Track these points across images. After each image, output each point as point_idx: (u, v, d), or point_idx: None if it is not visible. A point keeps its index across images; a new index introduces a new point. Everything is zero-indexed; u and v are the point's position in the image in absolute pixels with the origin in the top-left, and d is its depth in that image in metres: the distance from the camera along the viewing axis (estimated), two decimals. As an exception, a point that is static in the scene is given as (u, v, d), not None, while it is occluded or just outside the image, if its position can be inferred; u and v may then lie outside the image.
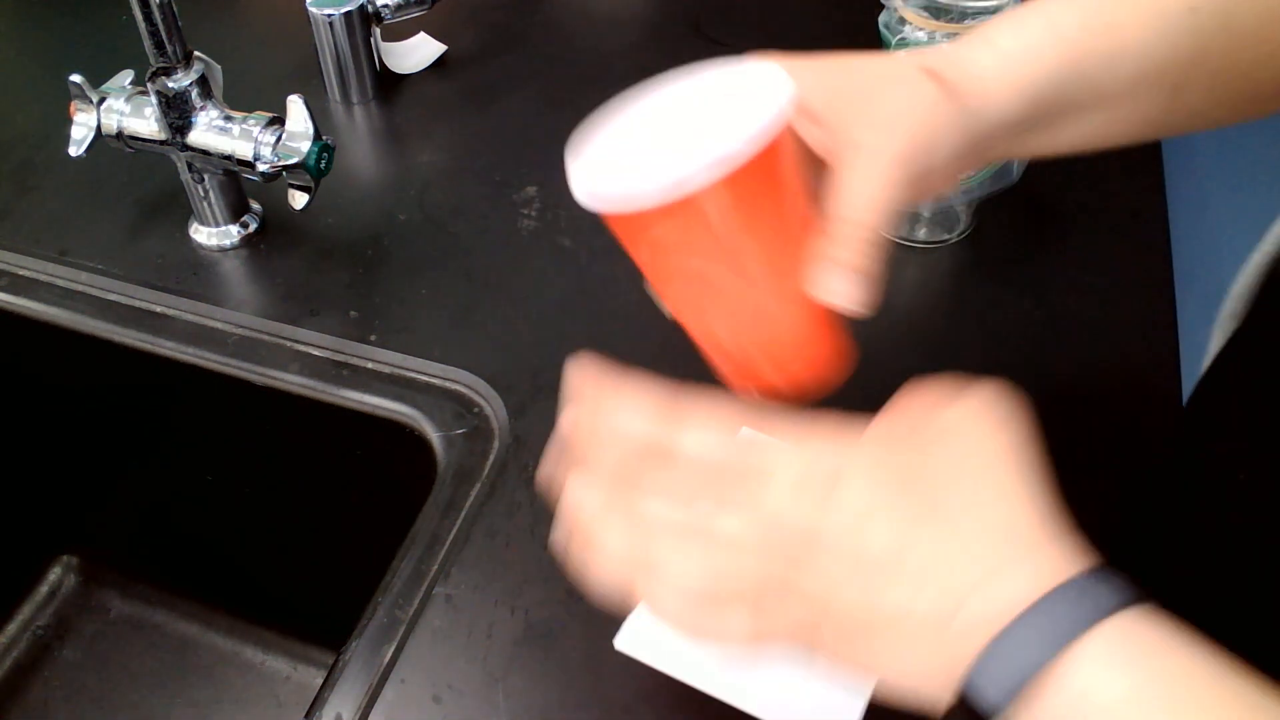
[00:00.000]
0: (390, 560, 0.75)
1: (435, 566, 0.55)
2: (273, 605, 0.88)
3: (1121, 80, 0.42)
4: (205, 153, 0.66)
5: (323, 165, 0.65)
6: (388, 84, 0.86)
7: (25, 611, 0.93)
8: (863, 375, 0.63)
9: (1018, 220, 0.72)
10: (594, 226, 0.73)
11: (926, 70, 0.41)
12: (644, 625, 0.51)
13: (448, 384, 0.64)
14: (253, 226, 0.72)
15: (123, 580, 0.93)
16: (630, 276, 0.69)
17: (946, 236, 0.71)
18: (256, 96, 0.69)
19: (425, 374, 0.64)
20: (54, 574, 0.94)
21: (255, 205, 0.73)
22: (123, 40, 0.93)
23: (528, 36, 0.91)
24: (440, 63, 0.88)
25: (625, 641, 0.51)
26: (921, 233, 0.71)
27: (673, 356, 0.64)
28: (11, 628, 0.92)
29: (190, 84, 0.65)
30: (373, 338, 0.66)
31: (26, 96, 0.88)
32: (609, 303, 0.68)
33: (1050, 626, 0.31)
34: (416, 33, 0.89)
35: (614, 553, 0.36)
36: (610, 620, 0.52)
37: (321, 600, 0.85)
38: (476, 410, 0.62)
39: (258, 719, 0.85)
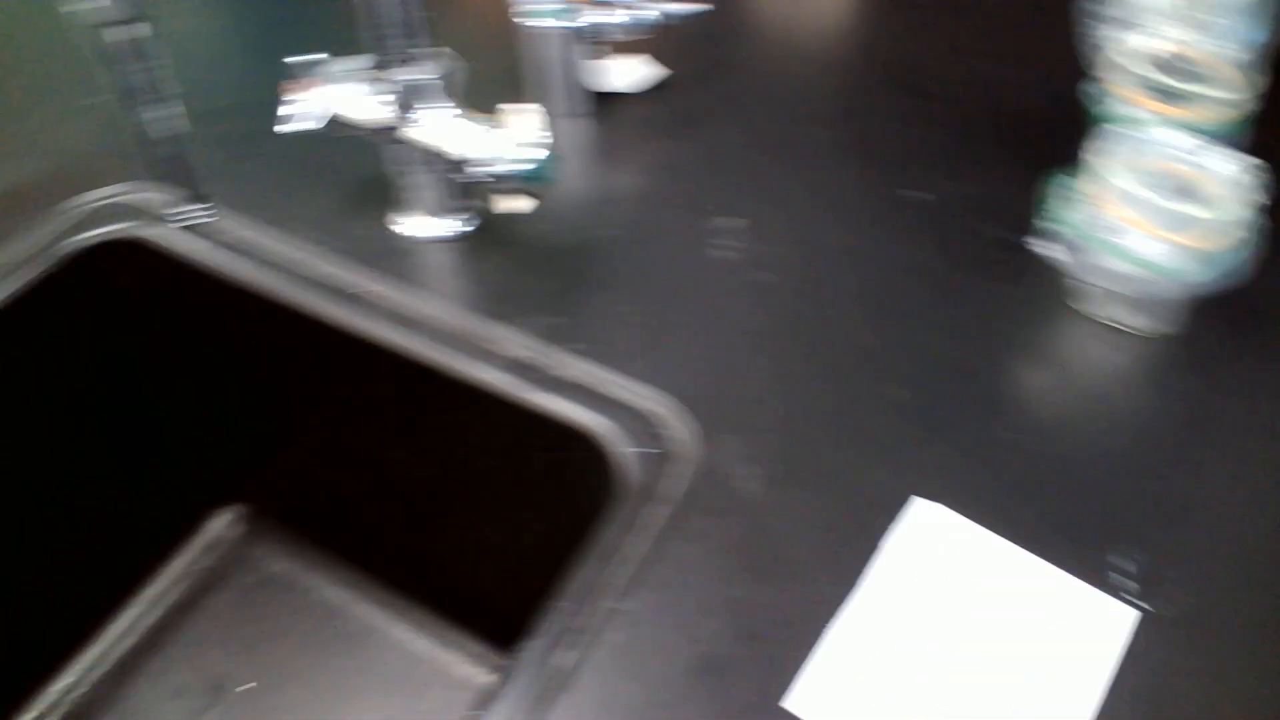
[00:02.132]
0: (556, 566, 0.77)
1: (616, 582, 0.56)
2: (426, 587, 0.91)
3: None
4: (434, 148, 0.68)
5: (550, 176, 0.66)
6: (601, 101, 0.88)
7: (190, 554, 0.97)
8: (1060, 453, 0.62)
9: (1238, 322, 0.70)
10: (797, 263, 0.74)
11: None
12: (818, 685, 0.52)
13: (639, 401, 0.65)
14: (466, 223, 0.75)
15: (285, 539, 0.97)
16: (831, 320, 0.70)
17: (1160, 327, 0.69)
18: (469, 97, 0.71)
19: (618, 389, 0.66)
20: (221, 522, 0.99)
21: (470, 203, 0.76)
22: (347, 22, 0.97)
23: (743, 70, 0.92)
24: (658, 88, 0.89)
25: (796, 702, 0.51)
26: (1134, 319, 0.69)
27: (871, 403, 0.65)
28: (176, 567, 0.96)
29: (431, 78, 0.67)
30: (570, 346, 0.68)
31: (252, 65, 0.93)
32: (807, 343, 0.68)
33: None
34: (636, 54, 0.91)
35: None
36: (788, 668, 0.53)
37: (475, 590, 0.87)
38: (666, 433, 0.63)
39: (396, 695, 0.88)
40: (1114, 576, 0.56)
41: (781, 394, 0.65)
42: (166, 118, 0.52)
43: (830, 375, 0.66)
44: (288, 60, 0.70)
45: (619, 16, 0.82)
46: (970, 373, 0.67)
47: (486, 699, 0.87)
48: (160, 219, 0.78)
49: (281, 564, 0.97)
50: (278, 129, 0.71)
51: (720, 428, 0.63)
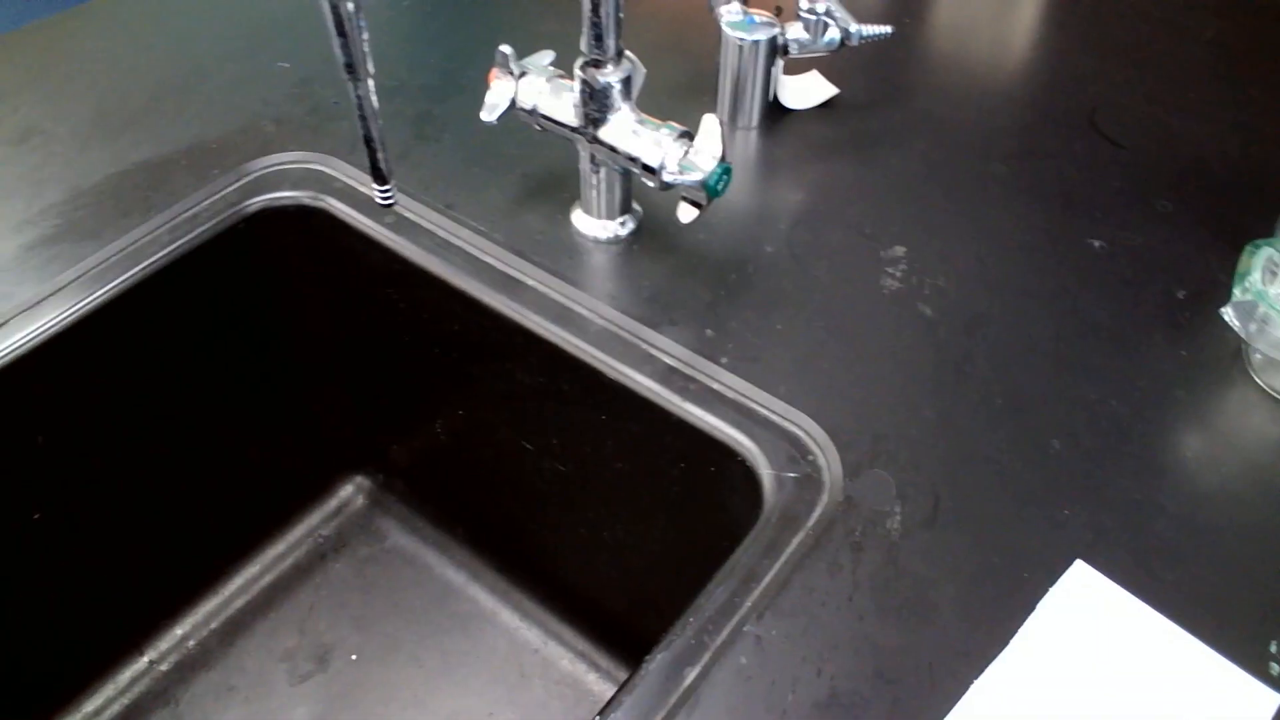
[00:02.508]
0: (678, 578, 0.77)
1: (749, 603, 0.55)
2: (541, 579, 0.91)
3: None
4: (613, 149, 0.68)
5: (721, 187, 0.66)
6: (775, 116, 0.87)
7: (313, 519, 0.99)
8: (1220, 527, 0.59)
9: None
10: (961, 300, 0.72)
11: None
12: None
13: (786, 424, 0.64)
14: (632, 226, 0.75)
15: (406, 514, 0.98)
16: (993, 363, 0.67)
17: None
18: (645, 101, 0.71)
19: (766, 408, 0.65)
20: (345, 491, 1.01)
21: (637, 206, 0.76)
22: (543, 18, 0.98)
23: (918, 95, 0.90)
24: (827, 105, 0.88)
25: None
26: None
27: (1029, 454, 0.63)
28: (297, 531, 0.98)
29: (616, 81, 0.67)
30: (723, 360, 0.67)
31: (437, 48, 0.94)
32: (966, 383, 0.66)
33: None
34: (807, 70, 0.90)
35: None
36: (920, 710, 0.51)
37: (589, 589, 0.87)
38: (811, 459, 0.62)
39: (499, 683, 0.88)
40: (1269, 663, 0.53)
41: (935, 433, 0.63)
42: (363, 94, 0.53)
43: (988, 420, 0.64)
44: (500, 49, 0.71)
45: (802, 33, 0.81)
46: (1136, 433, 0.64)
47: (598, 703, 0.87)
48: (336, 190, 0.80)
49: (401, 538, 0.98)
50: (482, 117, 0.72)
51: (867, 460, 0.62)
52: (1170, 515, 0.60)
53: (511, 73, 0.72)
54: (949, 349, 0.68)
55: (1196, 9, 1.01)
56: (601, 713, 0.52)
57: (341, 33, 0.45)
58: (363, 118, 0.49)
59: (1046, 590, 0.56)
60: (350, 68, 0.47)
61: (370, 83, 0.48)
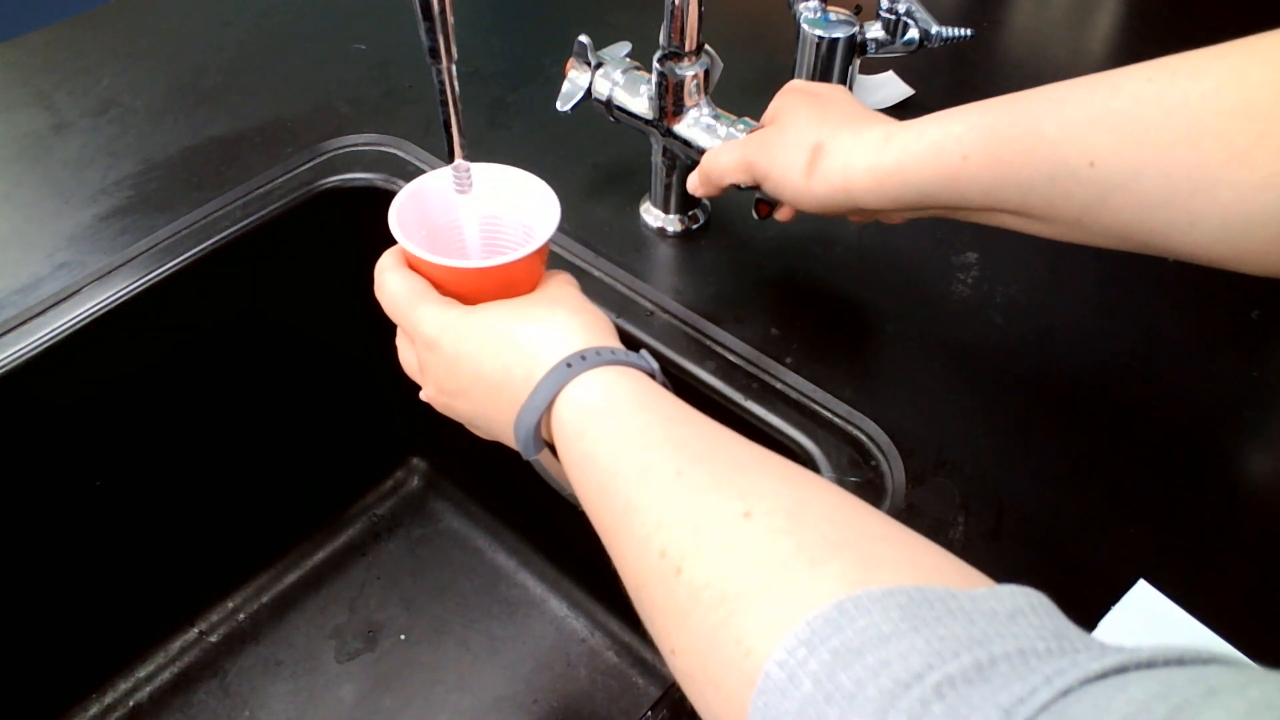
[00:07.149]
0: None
1: (806, 607, 0.55)
2: (591, 568, 0.91)
3: (1006, 201, 0.50)
4: (686, 143, 0.68)
5: (795, 184, 0.65)
6: (847, 113, 0.86)
7: (369, 498, 1.00)
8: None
9: None
10: (1031, 311, 0.71)
11: (813, 146, 0.55)
12: None
13: (850, 428, 0.63)
14: (700, 221, 0.75)
15: (460, 498, 0.99)
16: (1063, 374, 0.66)
17: None
18: (719, 95, 0.70)
19: (830, 410, 0.64)
20: (401, 473, 1.01)
21: (706, 201, 0.75)
22: (620, 9, 0.97)
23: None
24: (902, 105, 0.87)
25: None
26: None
27: (1100, 470, 0.61)
28: (353, 509, 0.99)
29: (693, 75, 0.67)
30: (788, 360, 0.67)
31: (513, 36, 0.95)
32: (1031, 395, 0.65)
33: (556, 380, 0.45)
34: (886, 70, 0.89)
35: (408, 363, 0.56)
36: None
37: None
38: (874, 464, 0.62)
39: (545, 670, 0.89)
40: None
41: (1001, 443, 0.63)
42: (446, 79, 0.53)
43: (1056, 432, 0.63)
44: (579, 39, 0.71)
45: (880, 32, 0.80)
46: (1204, 453, 0.63)
47: (642, 696, 0.87)
48: (408, 174, 0.80)
49: (454, 521, 0.98)
50: (558, 106, 0.72)
51: (931, 468, 0.61)
52: (1235, 538, 0.59)
53: (589, 63, 0.72)
54: (1019, 358, 0.67)
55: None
56: (653, 708, 0.52)
57: (428, 16, 0.45)
58: (444, 103, 0.49)
59: (1109, 609, 0.55)
60: (434, 52, 0.47)
61: (454, 68, 0.48)
